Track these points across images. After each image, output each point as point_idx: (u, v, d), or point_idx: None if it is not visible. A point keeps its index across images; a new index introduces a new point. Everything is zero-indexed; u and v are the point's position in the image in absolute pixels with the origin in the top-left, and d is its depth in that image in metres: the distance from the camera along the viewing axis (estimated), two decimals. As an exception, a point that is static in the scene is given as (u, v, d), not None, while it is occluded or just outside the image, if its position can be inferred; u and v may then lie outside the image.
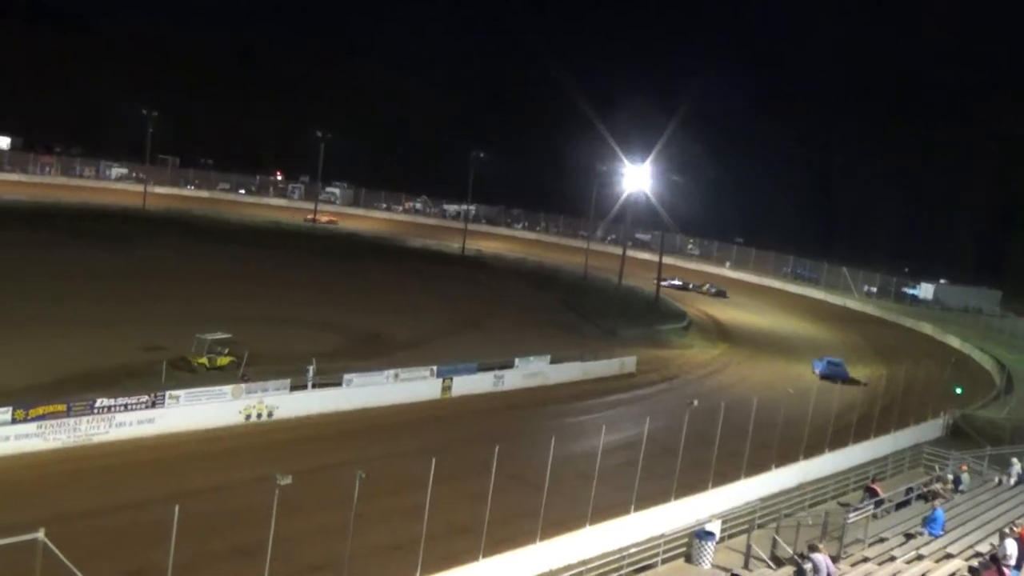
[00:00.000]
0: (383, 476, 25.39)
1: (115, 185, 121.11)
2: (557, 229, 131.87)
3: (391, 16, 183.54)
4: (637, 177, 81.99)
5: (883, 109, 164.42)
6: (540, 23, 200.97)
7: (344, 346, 51.99)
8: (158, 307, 53.86)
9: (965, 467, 37.58)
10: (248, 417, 37.80)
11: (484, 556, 24.17)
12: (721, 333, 77.11)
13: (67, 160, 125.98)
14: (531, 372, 51.08)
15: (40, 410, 31.82)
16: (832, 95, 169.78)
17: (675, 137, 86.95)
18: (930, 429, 49.20)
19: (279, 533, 20.12)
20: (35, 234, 75.78)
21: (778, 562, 27.09)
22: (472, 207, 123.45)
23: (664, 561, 27.52)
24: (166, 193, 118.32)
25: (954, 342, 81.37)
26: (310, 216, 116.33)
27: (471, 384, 47.29)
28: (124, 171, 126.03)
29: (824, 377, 62.63)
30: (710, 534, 28.00)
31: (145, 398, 34.88)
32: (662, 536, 28.15)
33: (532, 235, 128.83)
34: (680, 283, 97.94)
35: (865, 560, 26.47)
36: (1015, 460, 37.19)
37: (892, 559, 26.50)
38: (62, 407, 32.29)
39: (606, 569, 26.39)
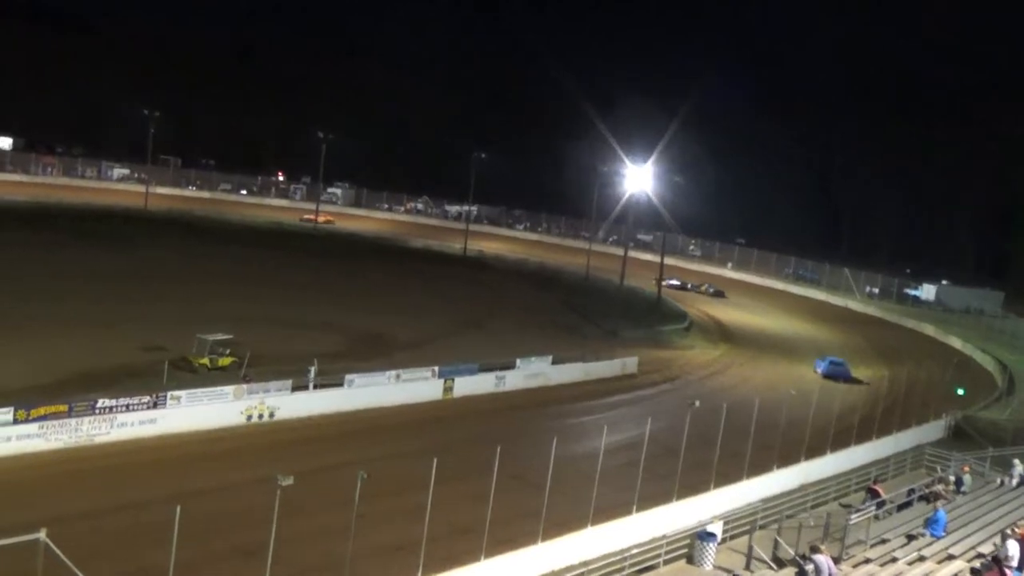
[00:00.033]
0: (385, 477, 25.39)
1: (117, 186, 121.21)
2: (559, 230, 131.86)
3: (391, 16, 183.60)
4: (639, 178, 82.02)
5: (884, 109, 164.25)
6: (540, 23, 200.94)
7: (346, 347, 51.97)
8: (159, 307, 53.88)
9: (967, 468, 37.53)
10: (250, 418, 37.79)
11: (486, 557, 24.15)
12: (723, 334, 77.07)
13: (69, 160, 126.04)
14: (533, 373, 51.06)
15: (42, 410, 31.83)
16: (833, 95, 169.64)
17: (676, 138, 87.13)
18: (932, 430, 49.13)
19: (280, 534, 20.10)
20: (36, 234, 75.86)
21: (780, 563, 27.07)
22: (474, 208, 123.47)
23: (666, 562, 27.51)
24: (168, 194, 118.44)
25: (956, 343, 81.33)
26: (307, 216, 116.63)
27: (473, 385, 47.28)
28: (126, 172, 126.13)
29: (826, 377, 62.69)
30: (712, 535, 27.98)
31: (147, 398, 34.88)
32: (664, 537, 28.15)
33: (534, 236, 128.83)
34: (678, 283, 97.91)
35: (867, 561, 26.46)
36: (1017, 461, 37.15)
37: (894, 560, 26.49)
38: (64, 407, 32.30)
39: (608, 570, 26.41)
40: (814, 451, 39.12)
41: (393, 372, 44.48)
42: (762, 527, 30.07)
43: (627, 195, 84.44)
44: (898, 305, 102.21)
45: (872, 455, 42.48)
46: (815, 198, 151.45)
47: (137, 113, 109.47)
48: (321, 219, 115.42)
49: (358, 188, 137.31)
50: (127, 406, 34.03)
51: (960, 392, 56.81)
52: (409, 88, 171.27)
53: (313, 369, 41.02)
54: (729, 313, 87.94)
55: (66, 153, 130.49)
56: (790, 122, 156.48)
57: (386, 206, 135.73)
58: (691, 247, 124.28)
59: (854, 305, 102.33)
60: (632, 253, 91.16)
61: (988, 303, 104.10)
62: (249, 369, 41.99)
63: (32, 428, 31.30)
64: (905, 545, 27.93)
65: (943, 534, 28.61)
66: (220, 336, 43.93)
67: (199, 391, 36.92)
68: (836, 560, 25.36)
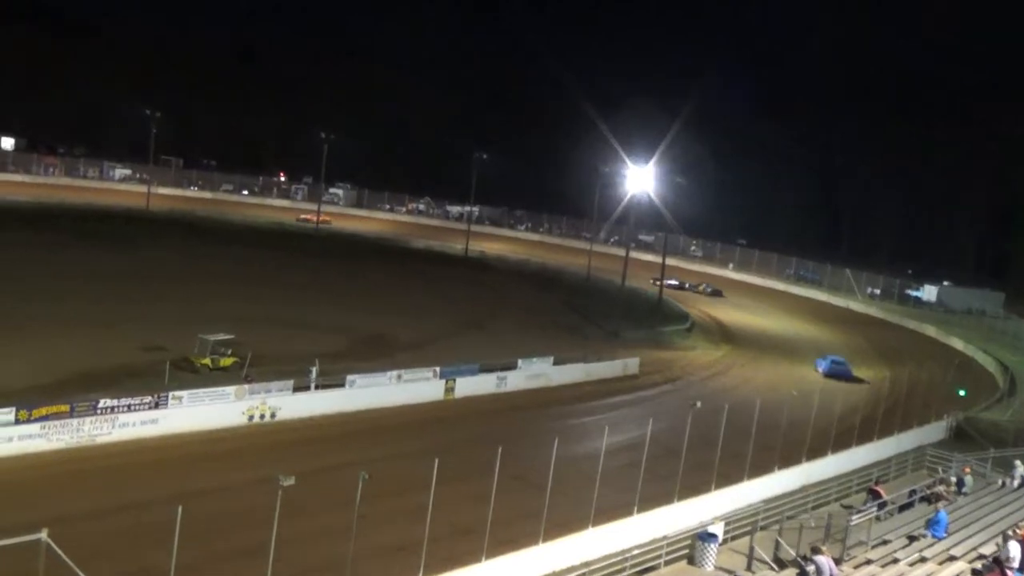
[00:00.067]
0: (386, 477, 25.40)
1: (119, 186, 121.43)
2: (560, 230, 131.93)
3: (392, 16, 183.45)
4: (640, 178, 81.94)
5: (884, 109, 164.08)
6: (541, 23, 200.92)
7: (347, 347, 51.99)
8: (161, 308, 53.92)
9: (968, 469, 37.51)
10: (251, 418, 37.81)
11: (487, 557, 24.16)
12: (724, 335, 77.08)
13: (71, 161, 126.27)
14: (534, 373, 51.07)
15: (43, 411, 31.85)
16: (833, 96, 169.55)
17: (678, 138, 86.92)
18: (933, 431, 49.11)
19: (282, 534, 20.11)
20: (38, 235, 75.95)
21: (781, 564, 27.06)
22: (475, 208, 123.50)
23: (667, 563, 27.50)
24: (169, 194, 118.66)
25: (957, 344, 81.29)
26: (304, 216, 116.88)
27: (474, 385, 47.30)
28: (128, 172, 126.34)
29: (828, 376, 62.80)
30: (713, 536, 27.97)
31: (148, 399, 34.90)
32: (665, 538, 28.15)
33: (535, 236, 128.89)
34: (676, 283, 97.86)
35: (868, 562, 26.46)
36: (1018, 462, 37.12)
37: (895, 561, 26.49)
38: (65, 408, 32.33)
39: (609, 570, 26.40)
40: (815, 452, 39.11)
41: (394, 372, 44.50)
42: (763, 528, 30.05)
43: (628, 196, 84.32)
44: (899, 306, 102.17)
45: (873, 456, 42.46)
46: (816, 198, 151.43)
47: (139, 113, 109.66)
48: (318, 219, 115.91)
49: (359, 189, 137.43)
50: (129, 406, 34.06)
51: (961, 393, 56.78)
52: (410, 88, 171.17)
53: (315, 369, 41.02)
54: (730, 314, 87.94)
55: (68, 153, 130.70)
56: (791, 122, 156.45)
57: (387, 207, 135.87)
58: (692, 248, 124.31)
59: (855, 306, 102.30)
60: (633, 254, 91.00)
61: (989, 304, 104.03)
62: (251, 369, 42.01)
63: (34, 428, 31.32)
64: (906, 546, 27.93)
65: (944, 535, 28.60)
66: (222, 336, 43.96)
67: (201, 391, 36.95)
68: (837, 561, 25.36)
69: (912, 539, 28.61)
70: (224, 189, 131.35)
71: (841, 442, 41.32)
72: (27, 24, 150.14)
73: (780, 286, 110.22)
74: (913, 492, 34.57)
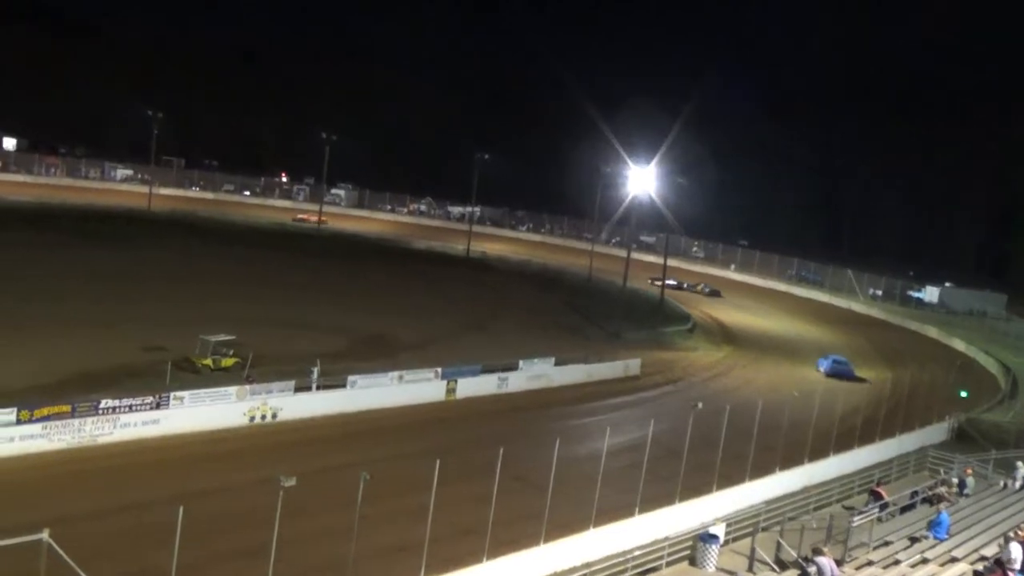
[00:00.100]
0: (387, 478, 25.38)
1: (120, 186, 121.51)
2: (561, 231, 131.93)
3: (392, 16, 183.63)
4: (641, 179, 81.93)
5: (885, 110, 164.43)
6: (542, 23, 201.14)
7: (348, 348, 51.99)
8: (162, 308, 53.92)
9: (970, 471, 37.51)
10: (252, 419, 37.81)
11: (488, 558, 24.15)
12: (725, 336, 77.05)
13: (72, 161, 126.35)
14: (535, 374, 51.06)
15: (45, 411, 31.85)
16: (834, 96, 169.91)
17: (679, 139, 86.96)
18: (935, 432, 49.08)
19: (283, 535, 20.10)
20: (40, 235, 76.00)
21: (782, 565, 27.04)
22: (476, 209, 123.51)
23: (668, 564, 27.49)
24: (171, 194, 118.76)
25: (959, 345, 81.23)
26: (300, 215, 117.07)
27: (475, 386, 47.29)
28: (129, 172, 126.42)
29: (830, 375, 62.88)
30: (714, 537, 27.96)
31: (150, 399, 34.90)
32: (666, 539, 28.14)
33: (537, 237, 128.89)
34: (675, 283, 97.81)
35: (869, 564, 26.43)
36: (1020, 463, 37.08)
37: (897, 563, 26.46)
38: (67, 408, 32.33)
39: (610, 571, 26.40)
40: (817, 453, 39.08)
41: (396, 373, 44.48)
42: (765, 529, 30.02)
43: (630, 196, 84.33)
44: (901, 307, 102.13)
45: (875, 457, 42.42)
46: (816, 198, 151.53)
47: (140, 114, 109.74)
48: (314, 219, 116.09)
49: (361, 189, 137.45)
50: (130, 407, 34.06)
51: (963, 394, 56.74)
52: (410, 89, 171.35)
53: (316, 370, 41.02)
54: (732, 315, 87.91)
55: (69, 154, 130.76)
56: (791, 122, 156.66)
57: (389, 207, 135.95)
58: (694, 249, 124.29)
59: (857, 307, 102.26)
60: (635, 255, 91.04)
61: (991, 305, 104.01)
62: (252, 370, 42.01)
63: (35, 428, 31.32)
64: (908, 547, 27.91)
65: (946, 536, 28.58)
66: (223, 337, 43.96)
67: (202, 392, 36.95)
68: (839, 562, 25.33)
69: (914, 540, 28.60)
70: (226, 189, 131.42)
71: (843, 443, 41.29)
72: (28, 24, 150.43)
73: (782, 287, 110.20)
74: (915, 493, 34.59)
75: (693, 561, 27.70)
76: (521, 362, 50.68)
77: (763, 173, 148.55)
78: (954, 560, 26.57)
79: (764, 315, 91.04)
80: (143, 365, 41.89)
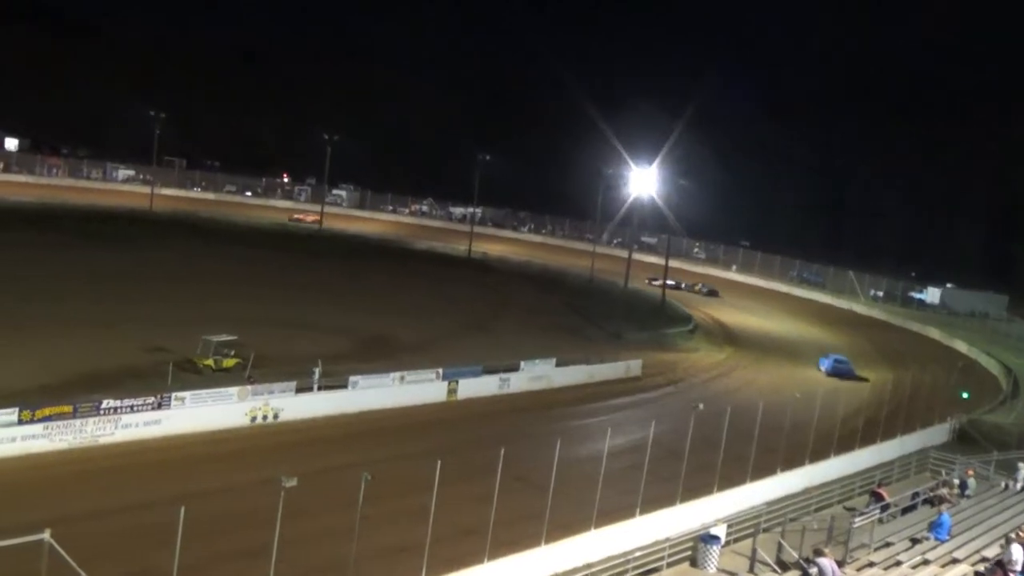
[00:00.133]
0: (388, 478, 25.37)
1: (122, 187, 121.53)
2: (563, 232, 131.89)
3: (393, 17, 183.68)
4: (643, 180, 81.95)
5: (887, 111, 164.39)
6: (541, 23, 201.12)
7: (350, 348, 52.02)
8: (164, 308, 53.94)
9: (971, 472, 37.46)
10: (254, 419, 37.84)
11: (489, 559, 24.15)
12: (727, 337, 77.04)
13: (74, 162, 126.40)
14: (536, 375, 51.08)
15: (46, 411, 31.90)
16: (834, 96, 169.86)
17: (681, 140, 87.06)
18: (936, 434, 49.06)
19: (284, 535, 20.10)
20: (42, 235, 76.02)
21: (783, 566, 27.01)
22: (478, 210, 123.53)
23: (669, 565, 27.46)
24: (173, 195, 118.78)
25: (961, 346, 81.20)
26: (297, 215, 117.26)
27: (476, 387, 47.31)
28: (131, 173, 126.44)
29: (831, 375, 62.98)
30: (715, 538, 27.94)
31: (151, 399, 34.93)
32: (667, 540, 28.10)
33: (538, 238, 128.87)
34: (673, 283, 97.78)
35: (871, 565, 26.40)
36: (1021, 465, 37.01)
37: (898, 564, 26.43)
38: (68, 408, 32.37)
39: (611, 572, 26.39)
40: (818, 454, 39.08)
41: (397, 374, 44.51)
42: (766, 530, 29.99)
43: (631, 197, 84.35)
44: (903, 308, 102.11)
45: (876, 458, 42.39)
46: (817, 198, 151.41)
47: (142, 114, 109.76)
48: (310, 219, 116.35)
49: (363, 190, 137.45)
50: (131, 407, 34.10)
51: (965, 396, 56.71)
52: (411, 89, 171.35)
53: (317, 371, 41.08)
54: (734, 316, 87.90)
55: (71, 154, 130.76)
56: (791, 123, 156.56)
57: (390, 208, 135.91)
58: (695, 250, 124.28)
59: (858, 308, 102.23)
60: (636, 255, 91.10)
61: (993, 306, 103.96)
62: (253, 370, 42.04)
63: (37, 429, 31.36)
64: (909, 549, 27.87)
65: (947, 538, 28.55)
66: (225, 337, 43.99)
67: (203, 392, 37.00)
68: (840, 563, 25.29)
69: (915, 542, 28.56)
70: (227, 190, 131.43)
71: (844, 444, 41.32)
72: (28, 24, 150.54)
73: (783, 288, 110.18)
74: (916, 494, 34.54)
75: (694, 562, 27.68)
76: (522, 363, 50.70)
77: (763, 173, 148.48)
78: (955, 561, 26.54)
79: (765, 316, 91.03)
80: (145, 365, 41.94)
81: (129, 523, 25.93)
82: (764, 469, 35.65)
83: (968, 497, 34.67)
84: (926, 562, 26.44)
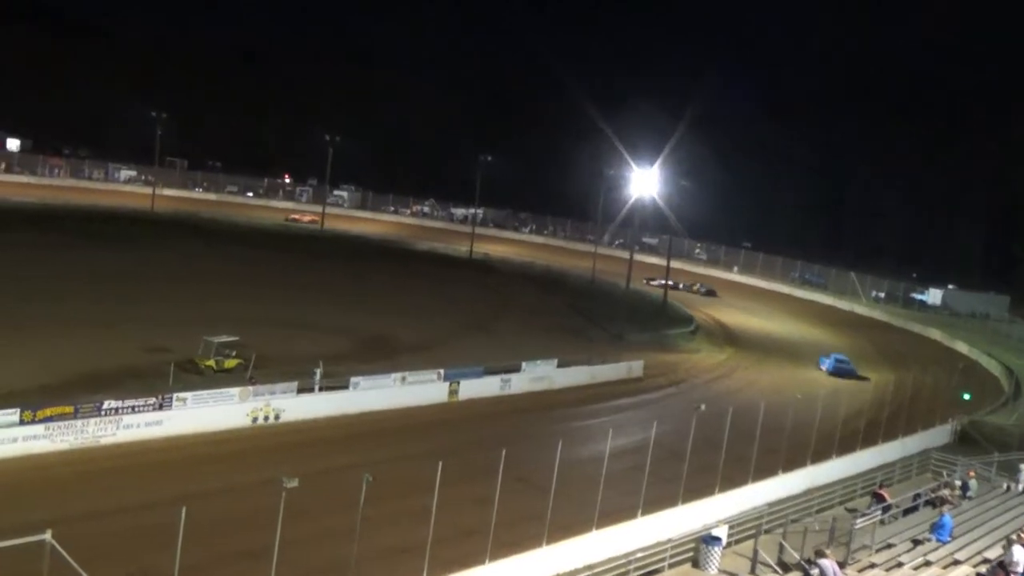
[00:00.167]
0: (390, 479, 25.37)
1: (124, 187, 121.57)
2: (564, 233, 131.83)
3: (393, 17, 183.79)
4: (644, 181, 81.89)
5: (887, 111, 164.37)
6: (543, 24, 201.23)
7: (351, 349, 52.02)
8: (165, 309, 53.97)
9: (973, 473, 37.44)
10: (255, 420, 37.85)
11: (491, 560, 24.14)
12: (728, 338, 77.03)
13: (76, 162, 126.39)
14: (538, 376, 51.06)
15: (48, 412, 31.90)
16: (835, 97, 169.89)
17: (682, 141, 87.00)
18: (938, 435, 49.02)
19: (286, 536, 20.09)
20: (43, 236, 76.06)
21: (785, 568, 27.01)
22: (479, 211, 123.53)
23: (671, 566, 27.47)
24: (174, 195, 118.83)
25: (962, 348, 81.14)
26: (293, 216, 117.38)
27: (478, 388, 47.30)
28: (133, 173, 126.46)
29: (832, 374, 63.06)
30: (717, 539, 27.93)
31: (152, 400, 34.94)
32: (669, 541, 28.10)
33: (539, 239, 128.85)
34: (671, 283, 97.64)
35: (872, 566, 26.39)
36: (1023, 466, 37.04)
37: (899, 565, 26.42)
38: (69, 409, 32.38)
39: (613, 573, 26.36)
40: (820, 455, 39.04)
41: (398, 374, 44.50)
42: (767, 531, 29.98)
43: (633, 198, 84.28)
44: (904, 309, 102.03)
45: (878, 460, 42.36)
46: (817, 198, 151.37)
47: (143, 115, 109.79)
48: (307, 219, 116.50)
49: (364, 191, 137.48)
50: (133, 408, 34.11)
51: (966, 397, 56.69)
52: (411, 90, 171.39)
53: (319, 371, 41.07)
54: (735, 317, 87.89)
55: (73, 155, 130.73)
56: (791, 123, 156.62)
57: (392, 208, 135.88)
58: (697, 251, 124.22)
59: (860, 309, 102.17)
60: (638, 257, 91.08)
61: (994, 307, 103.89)
62: (255, 371, 42.02)
63: (38, 429, 31.36)
64: (911, 550, 27.86)
65: (949, 539, 28.54)
66: (226, 338, 43.98)
67: (205, 393, 36.99)
68: (841, 565, 25.29)
69: (916, 543, 28.55)
70: (229, 191, 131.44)
71: (845, 445, 41.28)
72: (29, 24, 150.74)
73: (784, 289, 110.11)
74: (918, 496, 34.50)
75: (696, 563, 27.69)
76: (524, 364, 50.68)
77: (763, 173, 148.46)
78: (957, 563, 26.53)
79: (767, 317, 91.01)
80: (146, 366, 41.96)
81: (130, 524, 25.92)
82: (766, 470, 35.62)
83: (970, 498, 34.65)
84: (927, 563, 26.42)
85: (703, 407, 33.57)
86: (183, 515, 18.16)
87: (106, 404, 33.30)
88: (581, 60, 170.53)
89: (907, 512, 33.17)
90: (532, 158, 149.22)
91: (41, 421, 31.50)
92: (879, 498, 33.42)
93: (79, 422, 32.38)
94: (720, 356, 68.57)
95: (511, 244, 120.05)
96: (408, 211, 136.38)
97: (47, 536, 16.04)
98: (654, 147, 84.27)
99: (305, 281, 72.74)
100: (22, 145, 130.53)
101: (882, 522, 30.83)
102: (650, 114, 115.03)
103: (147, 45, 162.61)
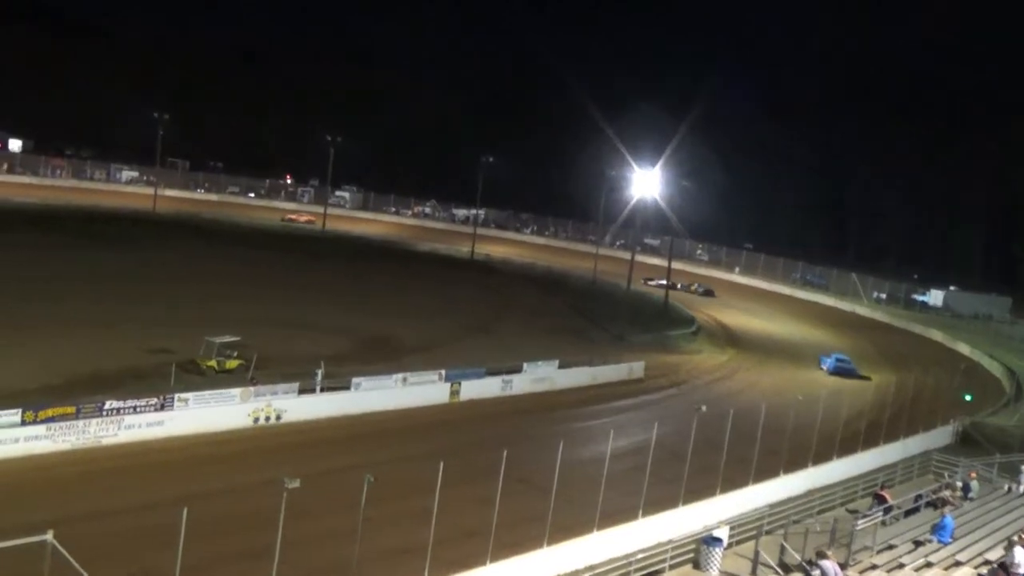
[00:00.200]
0: (391, 480, 25.37)
1: (125, 188, 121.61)
2: (566, 234, 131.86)
3: (395, 18, 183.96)
4: (646, 182, 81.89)
5: (887, 111, 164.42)
6: (545, 26, 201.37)
7: (352, 350, 52.03)
8: (167, 309, 54.01)
9: (974, 474, 37.44)
10: (256, 420, 37.86)
11: (492, 560, 24.14)
12: (730, 339, 77.00)
13: (78, 163, 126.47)
14: (539, 377, 51.04)
15: (49, 412, 31.91)
16: (835, 97, 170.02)
17: (683, 141, 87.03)
18: (939, 436, 48.99)
19: (287, 536, 20.11)
20: (45, 236, 76.14)
21: (786, 569, 27.01)
22: (481, 211, 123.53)
23: (672, 567, 27.46)
24: (176, 196, 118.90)
25: (964, 349, 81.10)
26: (289, 216, 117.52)
27: (479, 388, 47.28)
28: (134, 174, 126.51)
29: (833, 373, 63.10)
30: (718, 540, 27.93)
31: (154, 400, 34.95)
32: (670, 542, 28.10)
33: (541, 240, 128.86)
34: (667, 282, 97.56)
35: (873, 567, 26.38)
36: (1025, 468, 37.07)
37: (901, 566, 26.41)
38: (71, 409, 32.39)
39: (614, 574, 26.35)
40: (821, 456, 39.00)
41: (400, 375, 44.48)
42: (768, 532, 29.96)
43: (634, 199, 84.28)
44: (906, 310, 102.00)
45: (879, 461, 42.34)
46: (818, 199, 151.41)
47: (145, 115, 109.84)
48: (303, 219, 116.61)
49: (366, 191, 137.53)
50: (134, 408, 34.12)
51: (968, 398, 56.66)
52: (412, 90, 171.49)
53: (320, 372, 41.06)
54: (737, 318, 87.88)
55: (75, 155, 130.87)
56: (792, 123, 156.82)
57: (393, 209, 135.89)
58: (698, 252, 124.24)
59: (861, 310, 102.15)
60: (640, 257, 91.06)
61: (996, 309, 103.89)
62: (256, 372, 42.05)
63: (40, 430, 31.37)
64: (912, 551, 27.86)
65: (950, 540, 28.53)
66: (227, 338, 43.97)
67: (206, 393, 36.99)
68: (843, 566, 25.29)
69: (918, 544, 28.55)
70: (230, 191, 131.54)
71: (847, 446, 41.24)
72: (30, 25, 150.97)
73: (786, 290, 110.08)
74: (919, 497, 34.49)
75: (697, 564, 27.69)
76: (525, 364, 50.67)
77: (764, 174, 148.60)
78: (958, 564, 26.53)
79: (768, 318, 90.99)
80: (148, 366, 41.97)
81: (132, 524, 25.94)
82: (767, 471, 35.60)
83: (971, 500, 34.65)
84: (929, 565, 26.42)
85: (704, 408, 33.54)
86: (184, 515, 18.16)
87: (108, 404, 33.31)
88: (581, 60, 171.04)
89: (908, 513, 33.17)
90: (534, 159, 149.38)
91: (43, 421, 31.52)
92: (880, 499, 33.42)
93: (81, 422, 32.40)
94: (721, 357, 68.55)
95: (512, 245, 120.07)
96: (409, 212, 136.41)
97: (49, 536, 16.05)
98: (655, 148, 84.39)
99: (306, 282, 72.79)
100: (24, 146, 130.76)
101: (883, 523, 30.83)
102: (651, 115, 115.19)
103: (148, 45, 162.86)
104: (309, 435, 37.66)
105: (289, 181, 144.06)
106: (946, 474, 40.55)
